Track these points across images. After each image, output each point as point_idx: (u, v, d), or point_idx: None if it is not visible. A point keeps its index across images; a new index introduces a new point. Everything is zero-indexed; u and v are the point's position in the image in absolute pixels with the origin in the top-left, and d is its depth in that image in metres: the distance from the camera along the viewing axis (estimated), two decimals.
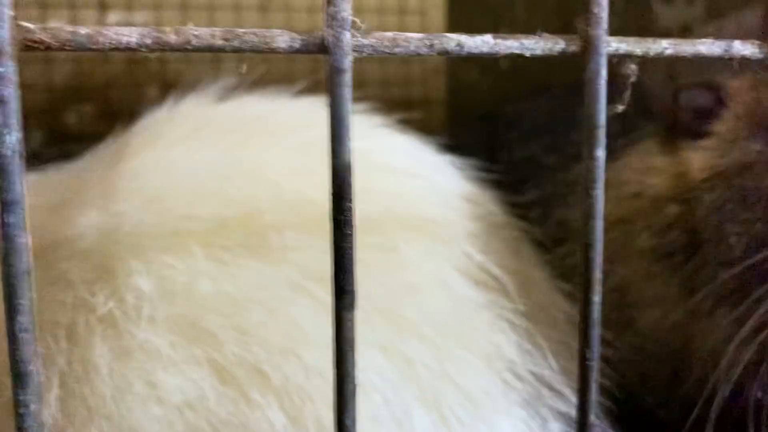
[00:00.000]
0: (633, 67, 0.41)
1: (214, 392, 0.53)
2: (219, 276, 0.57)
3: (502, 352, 0.64)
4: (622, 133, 0.91)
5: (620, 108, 0.41)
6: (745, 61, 0.44)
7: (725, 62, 0.43)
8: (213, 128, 0.67)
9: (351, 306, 0.36)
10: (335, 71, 0.34)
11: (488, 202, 0.81)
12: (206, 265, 0.57)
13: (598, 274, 0.41)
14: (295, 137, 0.68)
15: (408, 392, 0.58)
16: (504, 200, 0.90)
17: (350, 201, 0.35)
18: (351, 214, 0.35)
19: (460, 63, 1.69)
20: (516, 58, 0.39)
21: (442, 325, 0.61)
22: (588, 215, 0.40)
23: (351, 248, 0.35)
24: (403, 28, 1.56)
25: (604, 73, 0.39)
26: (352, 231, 0.35)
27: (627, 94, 0.41)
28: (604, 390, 0.79)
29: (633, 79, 0.41)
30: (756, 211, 0.68)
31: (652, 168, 0.81)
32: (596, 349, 0.41)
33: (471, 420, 0.60)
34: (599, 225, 0.40)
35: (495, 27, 1.58)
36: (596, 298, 0.41)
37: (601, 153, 0.40)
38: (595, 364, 0.41)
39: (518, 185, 1.01)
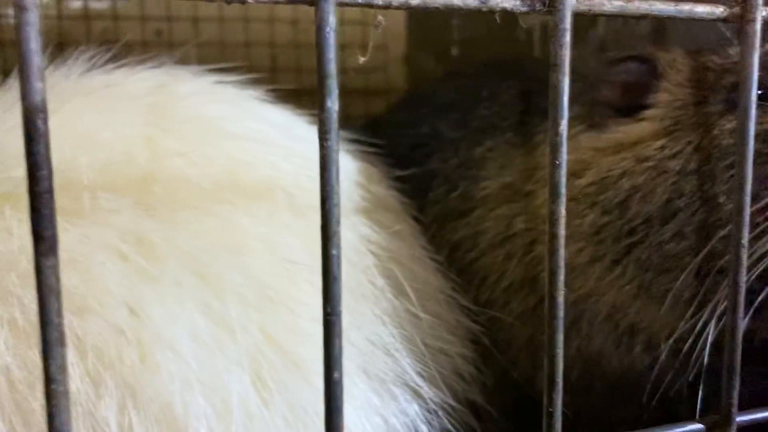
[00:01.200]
0: (380, 18, 0.41)
1: (11, 352, 0.53)
2: (27, 236, 0.56)
3: None
4: (536, 125, 0.89)
5: (362, 59, 0.41)
6: (506, 14, 0.43)
7: (486, 15, 0.43)
8: (57, 96, 0.66)
9: (49, 252, 0.35)
10: (18, 8, 0.33)
11: (362, 174, 0.80)
12: (15, 225, 0.56)
13: (336, 227, 0.40)
14: (136, 103, 0.68)
15: (226, 355, 0.58)
16: (399, 173, 0.90)
17: (42, 144, 0.34)
18: (43, 157, 0.35)
19: (418, 52, 1.69)
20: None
21: (267, 290, 0.61)
22: (323, 167, 0.40)
23: (47, 193, 0.35)
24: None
25: (332, 20, 0.38)
26: (46, 174, 0.35)
27: (370, 46, 0.40)
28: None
29: (380, 29, 0.41)
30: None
31: (589, 147, 0.79)
32: (338, 304, 0.41)
33: (296, 385, 0.60)
34: (335, 174, 0.40)
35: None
36: (335, 251, 0.40)
37: (332, 104, 0.39)
38: (337, 320, 0.41)
39: (421, 158, 1.01)
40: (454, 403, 0.69)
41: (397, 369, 0.66)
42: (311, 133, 0.81)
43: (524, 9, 0.43)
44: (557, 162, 0.44)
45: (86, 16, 1.51)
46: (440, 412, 0.67)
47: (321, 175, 0.40)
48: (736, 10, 0.48)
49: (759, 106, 0.67)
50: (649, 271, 0.71)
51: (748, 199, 0.49)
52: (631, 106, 0.77)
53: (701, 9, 0.48)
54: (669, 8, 0.47)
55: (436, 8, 0.41)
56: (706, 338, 0.68)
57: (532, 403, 0.85)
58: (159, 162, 0.63)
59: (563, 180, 0.44)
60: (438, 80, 1.26)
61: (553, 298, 0.45)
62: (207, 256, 0.60)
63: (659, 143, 0.71)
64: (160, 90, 0.72)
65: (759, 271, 0.64)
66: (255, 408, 0.58)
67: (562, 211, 0.45)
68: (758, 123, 0.67)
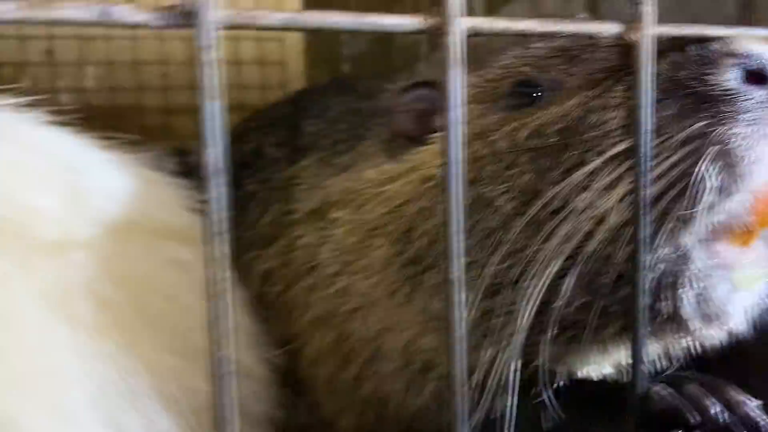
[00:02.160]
0: None
1: None
2: None
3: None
4: (350, 146, 0.84)
5: None
6: (138, 28, 0.38)
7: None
8: None
9: None
10: None
11: (145, 200, 0.74)
12: None
13: None
14: None
15: None
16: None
17: None
18: None
19: (316, 69, 1.66)
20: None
21: None
22: None
23: None
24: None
25: None
26: None
27: None
28: None
29: None
30: (519, 164, 0.62)
31: (386, 178, 0.73)
32: None
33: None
34: None
35: None
36: None
37: None
38: None
39: (245, 177, 0.93)
40: None
41: (150, 423, 0.60)
42: (91, 158, 0.74)
43: (160, 23, 0.38)
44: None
45: None
46: None
47: None
48: (434, 21, 0.44)
49: (533, 103, 0.64)
50: (437, 297, 0.65)
51: (461, 201, 0.45)
52: (425, 131, 0.72)
53: (392, 21, 0.43)
54: (351, 20, 0.42)
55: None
56: (502, 370, 0.62)
57: None
58: None
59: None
60: (289, 95, 1.19)
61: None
62: None
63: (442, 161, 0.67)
64: None
65: (548, 280, 0.58)
66: None
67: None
68: (533, 120, 0.63)
